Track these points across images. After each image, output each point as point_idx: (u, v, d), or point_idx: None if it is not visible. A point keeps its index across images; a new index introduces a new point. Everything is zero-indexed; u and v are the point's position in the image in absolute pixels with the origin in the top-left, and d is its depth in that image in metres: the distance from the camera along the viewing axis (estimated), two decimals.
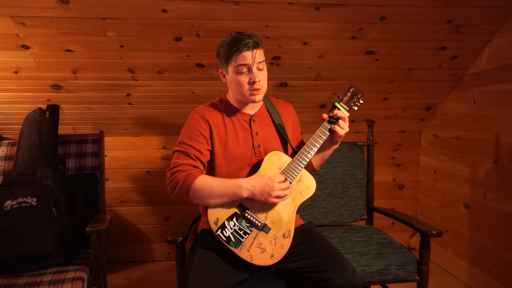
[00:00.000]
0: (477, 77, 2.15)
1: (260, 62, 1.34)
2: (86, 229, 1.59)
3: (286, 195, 1.31)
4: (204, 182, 1.28)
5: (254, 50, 1.31)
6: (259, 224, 1.30)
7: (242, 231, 1.28)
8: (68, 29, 1.78)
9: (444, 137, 2.47)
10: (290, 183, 1.34)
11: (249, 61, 1.31)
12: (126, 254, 2.61)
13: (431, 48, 2.05)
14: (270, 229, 1.31)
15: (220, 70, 1.42)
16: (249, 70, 1.33)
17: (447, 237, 2.44)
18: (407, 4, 1.79)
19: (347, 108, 1.40)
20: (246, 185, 1.27)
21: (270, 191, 1.26)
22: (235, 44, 1.30)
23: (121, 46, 1.89)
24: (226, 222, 1.28)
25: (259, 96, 1.36)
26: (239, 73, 1.33)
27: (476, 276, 2.18)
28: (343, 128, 1.36)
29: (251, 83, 1.33)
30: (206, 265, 1.25)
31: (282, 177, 1.31)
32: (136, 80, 2.11)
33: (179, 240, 1.43)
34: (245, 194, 1.27)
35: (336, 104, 1.40)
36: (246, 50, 1.30)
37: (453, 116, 2.37)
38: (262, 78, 1.35)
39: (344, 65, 2.13)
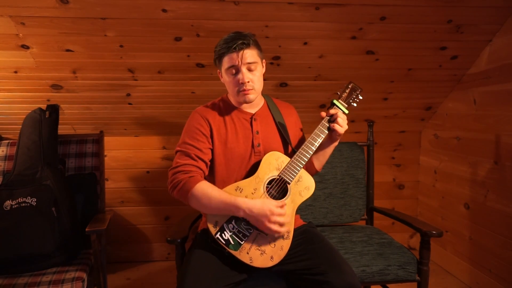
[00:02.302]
0: (477, 77, 2.15)
1: (250, 63, 1.33)
2: (86, 229, 1.59)
3: (279, 232, 1.26)
4: (203, 191, 1.27)
5: (241, 51, 1.31)
6: None
7: (241, 234, 1.28)
8: (68, 29, 1.78)
9: (444, 137, 2.47)
10: (289, 183, 1.33)
11: (236, 62, 1.31)
12: (126, 254, 2.61)
13: (431, 48, 2.05)
14: None
15: (218, 70, 1.43)
16: (238, 71, 1.33)
17: (447, 237, 2.44)
18: (407, 4, 1.79)
19: (346, 105, 1.39)
20: (244, 208, 1.24)
21: (265, 222, 1.24)
22: (224, 45, 1.32)
23: (121, 46, 1.89)
24: (225, 225, 1.28)
25: (250, 96, 1.36)
26: (229, 74, 1.35)
27: (476, 276, 2.18)
28: (342, 126, 1.35)
29: (240, 84, 1.33)
30: (203, 265, 1.25)
31: (284, 211, 1.27)
32: (136, 80, 2.11)
33: (179, 240, 1.43)
34: (241, 214, 1.26)
35: (335, 101, 1.39)
36: (233, 51, 1.30)
37: (453, 116, 2.37)
38: (253, 78, 1.34)
39: (344, 65, 2.13)
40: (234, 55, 1.31)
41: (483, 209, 2.12)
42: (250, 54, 1.33)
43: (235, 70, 1.33)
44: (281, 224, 1.26)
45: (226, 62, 1.33)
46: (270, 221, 1.23)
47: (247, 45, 1.32)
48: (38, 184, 1.66)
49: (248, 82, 1.33)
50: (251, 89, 1.35)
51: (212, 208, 1.28)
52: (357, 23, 1.88)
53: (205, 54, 1.98)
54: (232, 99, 1.45)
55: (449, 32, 1.96)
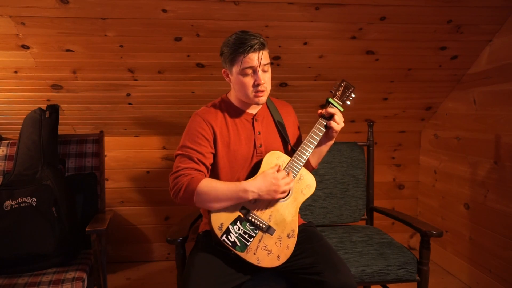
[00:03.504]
0: (477, 77, 2.15)
1: (265, 64, 1.32)
2: (86, 229, 1.59)
3: (290, 189, 1.32)
4: (208, 185, 1.26)
5: (260, 52, 1.29)
6: (263, 226, 1.29)
7: (247, 235, 1.27)
8: (68, 29, 1.78)
9: (444, 137, 2.47)
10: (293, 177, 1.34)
11: (255, 63, 1.29)
12: (126, 254, 2.61)
13: (431, 48, 2.05)
14: (274, 230, 1.30)
15: (223, 70, 1.40)
16: (254, 72, 1.31)
17: (447, 237, 2.44)
18: (407, 4, 1.79)
19: (341, 103, 1.40)
20: (252, 188, 1.25)
21: (276, 189, 1.25)
22: (241, 45, 1.27)
23: (121, 46, 1.89)
24: (230, 227, 1.27)
25: (263, 99, 1.35)
26: (244, 74, 1.31)
27: (476, 276, 2.18)
28: (338, 123, 1.36)
29: (256, 85, 1.31)
30: (207, 268, 1.24)
31: (284, 173, 1.30)
32: (136, 80, 2.11)
33: (179, 240, 1.43)
34: (251, 197, 1.26)
35: (330, 99, 1.40)
36: (253, 52, 1.27)
37: (453, 116, 2.37)
38: (266, 80, 1.34)
39: (344, 65, 2.13)
40: (253, 55, 1.28)
41: (483, 209, 2.12)
42: (265, 56, 1.32)
43: (252, 70, 1.31)
44: (288, 183, 1.29)
45: (243, 62, 1.28)
46: (280, 186, 1.26)
47: (263, 46, 1.31)
48: (38, 184, 1.66)
49: (264, 83, 1.32)
50: (265, 91, 1.34)
51: (221, 199, 1.26)
52: (357, 23, 1.88)
53: (205, 54, 1.98)
54: (236, 99, 1.43)
55: (449, 32, 1.96)
